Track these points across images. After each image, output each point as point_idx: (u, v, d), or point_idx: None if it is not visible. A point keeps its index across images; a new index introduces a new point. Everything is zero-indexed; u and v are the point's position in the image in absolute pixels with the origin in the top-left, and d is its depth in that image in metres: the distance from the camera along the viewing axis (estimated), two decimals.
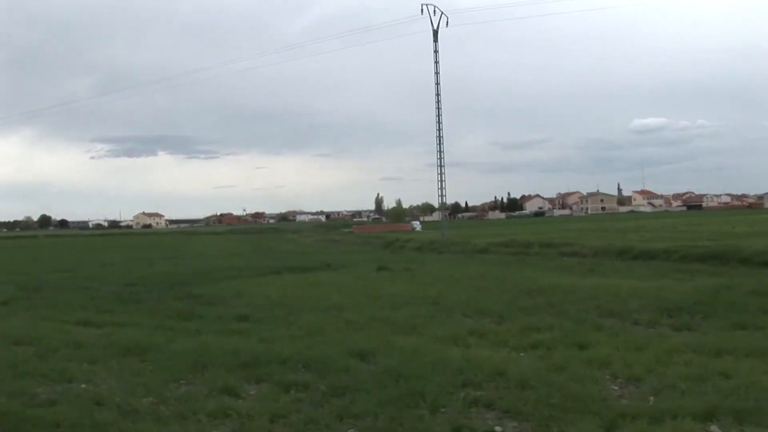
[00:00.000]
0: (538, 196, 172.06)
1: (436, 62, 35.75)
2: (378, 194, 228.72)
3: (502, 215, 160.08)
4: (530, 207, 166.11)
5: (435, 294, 13.42)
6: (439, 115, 35.47)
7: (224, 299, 13.15)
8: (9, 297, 14.02)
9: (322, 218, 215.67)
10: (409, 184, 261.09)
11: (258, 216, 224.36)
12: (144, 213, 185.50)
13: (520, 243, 29.66)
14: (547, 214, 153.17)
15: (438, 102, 35.46)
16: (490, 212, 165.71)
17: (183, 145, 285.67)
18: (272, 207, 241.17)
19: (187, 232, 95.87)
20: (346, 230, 76.62)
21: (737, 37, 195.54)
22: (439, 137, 35.95)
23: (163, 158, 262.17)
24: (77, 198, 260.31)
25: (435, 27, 35.27)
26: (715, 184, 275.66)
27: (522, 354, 7.84)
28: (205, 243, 51.51)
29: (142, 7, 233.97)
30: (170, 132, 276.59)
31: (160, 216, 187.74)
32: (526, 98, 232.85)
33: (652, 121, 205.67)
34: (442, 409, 5.56)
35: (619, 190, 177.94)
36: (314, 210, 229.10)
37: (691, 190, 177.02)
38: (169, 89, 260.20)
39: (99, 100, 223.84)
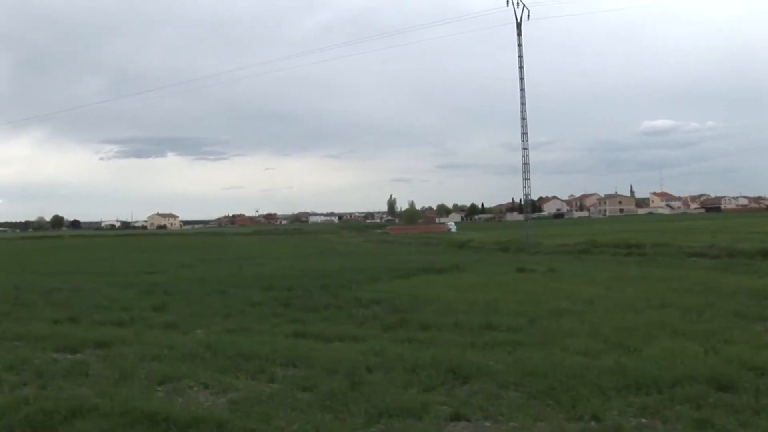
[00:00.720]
0: (555, 197, 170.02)
1: (520, 56, 34.11)
2: (391, 196, 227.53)
3: (521, 217, 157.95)
4: (548, 209, 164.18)
5: (646, 297, 11.76)
6: (523, 111, 33.72)
7: (416, 304, 11.37)
8: (158, 303, 12.24)
9: (335, 219, 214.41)
10: (418, 186, 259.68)
11: (270, 217, 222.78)
12: (158, 214, 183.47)
13: (609, 243, 28.03)
14: (566, 216, 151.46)
15: (522, 98, 33.72)
16: (507, 214, 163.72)
17: (192, 146, 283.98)
18: (279, 208, 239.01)
19: (213, 233, 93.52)
20: (378, 231, 74.90)
21: (745, 39, 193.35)
22: (523, 133, 34.19)
23: (172, 159, 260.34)
24: (86, 199, 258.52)
25: (518, 19, 33.74)
26: (725, 186, 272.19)
27: None
28: (254, 244, 49.46)
29: (151, 9, 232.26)
30: (179, 133, 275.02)
31: (175, 217, 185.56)
32: (534, 100, 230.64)
33: (661, 123, 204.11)
34: None
35: (632, 192, 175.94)
36: (324, 211, 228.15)
37: (704, 192, 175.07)
38: (179, 91, 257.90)
39: (108, 101, 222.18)
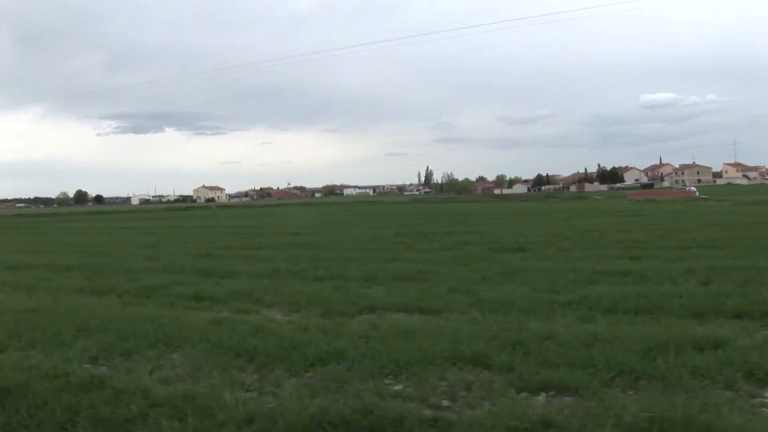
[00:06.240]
0: (633, 168, 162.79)
1: None
2: (427, 167, 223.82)
3: (604, 187, 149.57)
4: (628, 179, 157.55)
5: None
6: None
7: None
8: None
9: (369, 192, 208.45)
10: (415, 159, 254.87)
11: (301, 189, 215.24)
12: (204, 186, 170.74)
13: None
14: (656, 186, 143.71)
15: None
16: (586, 184, 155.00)
17: (190, 122, 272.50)
18: (278, 182, 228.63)
19: (368, 201, 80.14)
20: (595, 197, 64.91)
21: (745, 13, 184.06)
22: None
23: (170, 134, 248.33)
24: (87, 175, 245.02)
25: None
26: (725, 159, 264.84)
27: None
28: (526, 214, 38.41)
29: None
30: (176, 108, 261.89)
31: (221, 189, 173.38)
32: (533, 74, 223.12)
33: (661, 96, 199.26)
34: None
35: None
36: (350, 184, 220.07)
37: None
38: (176, 67, 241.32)
39: (106, 77, 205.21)
